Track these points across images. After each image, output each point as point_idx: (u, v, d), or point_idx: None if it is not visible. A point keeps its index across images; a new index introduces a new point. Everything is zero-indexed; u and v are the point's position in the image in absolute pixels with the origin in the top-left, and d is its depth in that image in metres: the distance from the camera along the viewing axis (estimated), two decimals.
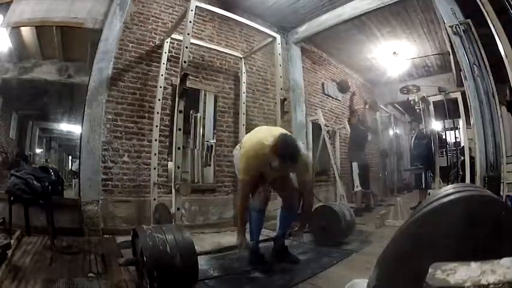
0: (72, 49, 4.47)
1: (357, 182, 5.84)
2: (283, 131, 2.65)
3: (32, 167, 3.29)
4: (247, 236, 2.79)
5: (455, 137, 7.11)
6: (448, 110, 5.81)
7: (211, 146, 5.04)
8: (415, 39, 6.56)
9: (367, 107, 7.02)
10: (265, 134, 2.56)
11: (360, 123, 6.34)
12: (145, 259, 1.99)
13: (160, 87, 4.14)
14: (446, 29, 4.19)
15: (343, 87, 6.78)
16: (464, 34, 3.86)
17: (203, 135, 5.11)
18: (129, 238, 2.65)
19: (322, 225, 3.45)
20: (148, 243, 2.01)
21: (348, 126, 6.62)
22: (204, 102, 5.15)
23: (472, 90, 3.87)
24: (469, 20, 3.84)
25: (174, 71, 4.44)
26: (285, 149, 2.28)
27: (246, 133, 4.58)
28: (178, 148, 2.94)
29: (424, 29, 6.15)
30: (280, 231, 2.98)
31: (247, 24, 4.15)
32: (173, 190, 2.90)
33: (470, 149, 5.35)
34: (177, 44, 4.42)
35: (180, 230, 2.19)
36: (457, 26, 3.88)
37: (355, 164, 5.92)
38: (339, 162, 6.23)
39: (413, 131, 7.19)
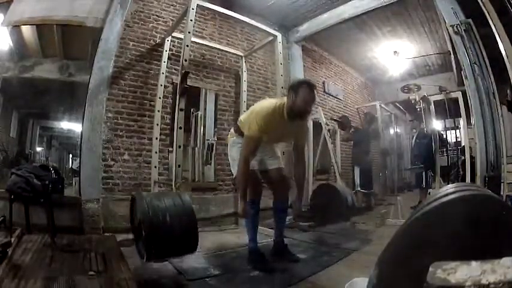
0: (72, 48, 4.48)
1: (357, 182, 5.90)
2: None
3: (33, 166, 3.28)
4: (246, 235, 2.81)
5: (456, 137, 7.09)
6: (449, 109, 5.80)
7: (212, 144, 5.04)
8: (415, 38, 6.55)
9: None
10: (272, 99, 2.79)
11: (362, 129, 6.38)
12: (143, 231, 1.93)
13: (161, 85, 4.15)
14: (447, 28, 4.18)
15: (343, 124, 6.73)
16: (465, 34, 3.85)
17: (204, 133, 5.11)
18: (130, 236, 2.65)
19: (324, 203, 3.46)
20: (147, 212, 1.95)
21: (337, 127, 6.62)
22: (205, 101, 5.14)
23: (472, 89, 3.87)
24: (470, 20, 3.83)
25: (174, 69, 4.44)
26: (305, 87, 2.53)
27: None
28: (179, 146, 2.94)
29: (425, 28, 6.14)
30: (278, 229, 2.98)
31: (248, 23, 4.14)
32: (174, 188, 2.90)
33: (470, 148, 5.34)
34: (177, 42, 4.41)
35: (181, 196, 2.15)
36: (458, 26, 3.87)
37: (357, 168, 5.98)
38: (340, 161, 6.22)
39: (414, 130, 7.16)
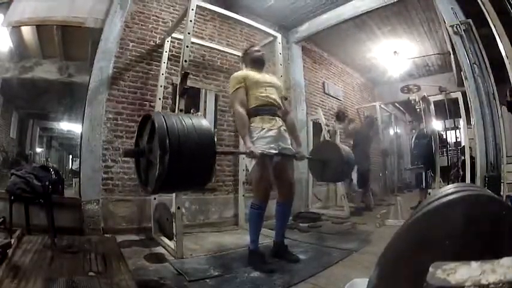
0: (72, 48, 4.47)
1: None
2: None
3: (33, 166, 3.28)
4: (247, 236, 2.81)
5: (456, 137, 7.10)
6: (449, 109, 5.81)
7: None
8: (415, 38, 6.55)
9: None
10: None
11: (363, 129, 6.40)
12: (157, 134, 1.79)
13: (161, 86, 4.14)
14: (447, 28, 4.18)
15: (339, 117, 6.74)
16: (465, 34, 3.84)
17: None
18: (130, 237, 2.65)
19: (324, 159, 3.52)
20: (164, 123, 1.80)
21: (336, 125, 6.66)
22: (205, 101, 5.14)
23: (472, 90, 3.87)
24: (469, 20, 3.83)
25: (174, 70, 4.44)
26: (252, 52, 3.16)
27: None
28: None
29: (425, 28, 6.15)
30: (279, 229, 2.98)
31: (248, 24, 4.14)
32: None
33: (470, 148, 5.35)
34: (177, 43, 4.41)
35: (200, 119, 2.08)
36: (458, 26, 3.87)
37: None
38: None
39: (413, 131, 7.18)
